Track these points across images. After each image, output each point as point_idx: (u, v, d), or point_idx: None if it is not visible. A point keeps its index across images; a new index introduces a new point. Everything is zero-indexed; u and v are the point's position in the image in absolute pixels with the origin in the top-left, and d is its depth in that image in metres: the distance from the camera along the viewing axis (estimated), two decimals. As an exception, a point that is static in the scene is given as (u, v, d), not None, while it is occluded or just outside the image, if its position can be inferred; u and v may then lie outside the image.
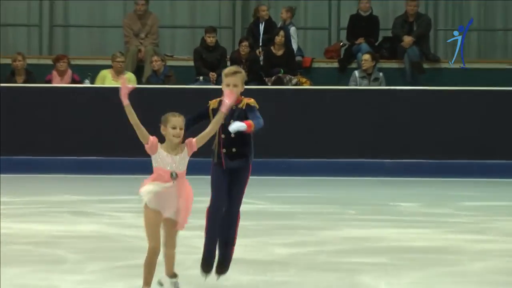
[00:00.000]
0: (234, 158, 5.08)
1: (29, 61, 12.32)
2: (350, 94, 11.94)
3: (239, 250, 5.84)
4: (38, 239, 7.19)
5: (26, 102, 11.61)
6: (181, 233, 4.98)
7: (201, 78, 12.30)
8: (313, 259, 6.48)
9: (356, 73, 12.06)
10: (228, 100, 4.77)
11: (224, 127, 4.97)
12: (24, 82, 11.98)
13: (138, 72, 12.47)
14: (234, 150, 5.08)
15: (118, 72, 12.00)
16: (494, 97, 11.75)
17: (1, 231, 7.17)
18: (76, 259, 6.48)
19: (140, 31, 12.72)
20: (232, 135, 5.02)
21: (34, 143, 11.52)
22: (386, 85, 12.00)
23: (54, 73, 12.03)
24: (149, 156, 4.78)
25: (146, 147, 4.75)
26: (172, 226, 4.81)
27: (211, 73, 12.24)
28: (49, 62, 12.33)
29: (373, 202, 9.62)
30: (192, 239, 6.20)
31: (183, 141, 4.74)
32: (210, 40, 12.27)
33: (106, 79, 12.06)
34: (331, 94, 11.93)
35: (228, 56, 12.39)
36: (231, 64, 12.17)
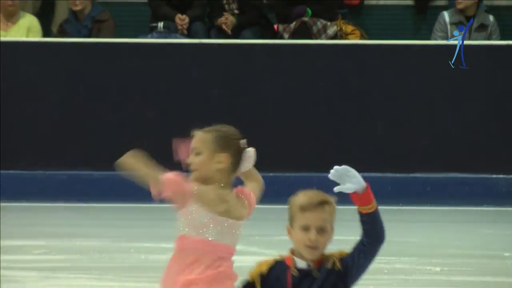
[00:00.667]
0: None
1: None
2: (436, 53, 7.06)
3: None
4: None
5: None
6: None
7: (160, 25, 6.95)
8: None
9: (446, 15, 7.26)
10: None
11: None
12: None
13: (44, 15, 7.57)
14: None
15: (9, 16, 6.67)
16: None
17: None
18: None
19: None
20: None
21: None
22: (501, 38, 7.51)
23: None
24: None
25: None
26: None
27: (178, 16, 6.85)
28: None
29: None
30: None
31: None
32: None
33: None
34: (400, 52, 7.18)
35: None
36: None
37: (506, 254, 6.25)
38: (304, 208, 2.77)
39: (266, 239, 6.26)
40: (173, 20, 7.26)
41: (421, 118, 7.21)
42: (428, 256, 6.18)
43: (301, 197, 2.80)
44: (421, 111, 7.20)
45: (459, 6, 7.14)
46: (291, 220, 2.78)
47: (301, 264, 2.69)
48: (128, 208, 7.37)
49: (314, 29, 6.92)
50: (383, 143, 7.14)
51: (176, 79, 6.93)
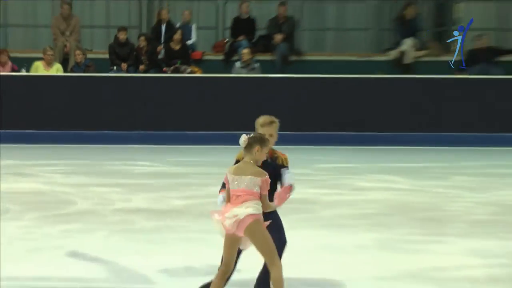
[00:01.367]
0: None
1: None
2: (233, 81, 14.92)
3: (143, 202, 7.74)
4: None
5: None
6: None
7: (114, 68, 15.25)
8: (203, 208, 7.87)
9: (238, 64, 15.08)
10: (280, 204, 4.66)
11: None
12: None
13: (64, 63, 15.37)
14: None
15: (48, 63, 14.94)
16: (345, 83, 14.98)
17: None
18: (17, 210, 8.08)
19: (65, 30, 15.57)
20: None
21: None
22: (261, 73, 14.89)
23: (-2, 63, 14.83)
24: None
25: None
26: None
27: (122, 64, 15.25)
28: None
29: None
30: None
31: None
32: (122, 37, 15.28)
33: (38, 69, 14.95)
34: (218, 80, 14.84)
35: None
36: (137, 56, 15.20)
37: None
38: (262, 124, 4.74)
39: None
40: (120, 65, 15.12)
41: None
42: None
43: (261, 119, 4.76)
44: None
45: (244, 60, 15.69)
46: (256, 131, 4.60)
47: None
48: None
49: (181, 69, 15.39)
50: None
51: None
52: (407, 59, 15.52)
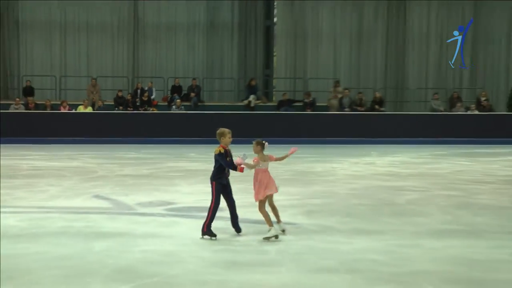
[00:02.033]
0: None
1: None
2: (172, 115, 32.91)
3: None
4: None
5: None
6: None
7: (118, 108, 32.96)
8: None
9: (174, 107, 33.17)
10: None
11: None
12: None
13: (93, 106, 33.04)
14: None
15: (88, 104, 32.63)
16: (227, 116, 33.01)
17: None
18: None
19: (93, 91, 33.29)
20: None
21: None
22: (185, 111, 33.21)
23: None
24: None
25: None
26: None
27: (120, 106, 32.86)
28: None
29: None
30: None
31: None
32: (120, 94, 32.95)
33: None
34: (165, 115, 32.85)
35: None
36: (127, 103, 32.90)
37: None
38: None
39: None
40: (119, 107, 33.19)
41: None
42: None
43: (221, 129, 10.18)
44: None
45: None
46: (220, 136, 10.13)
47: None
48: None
49: (149, 109, 33.09)
50: None
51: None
52: (252, 104, 33.66)
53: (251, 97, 32.89)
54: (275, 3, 34.60)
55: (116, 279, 8.15)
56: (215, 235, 10.24)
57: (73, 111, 29.73)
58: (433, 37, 34.76)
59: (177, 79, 33.62)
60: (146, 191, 14.66)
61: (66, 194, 14.39)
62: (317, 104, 31.60)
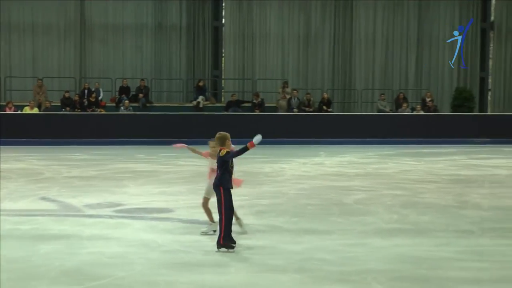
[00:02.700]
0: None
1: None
2: (120, 116, 32.69)
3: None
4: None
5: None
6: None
7: (66, 109, 32.67)
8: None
9: (122, 108, 32.97)
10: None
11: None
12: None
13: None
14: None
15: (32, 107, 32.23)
16: (172, 117, 32.91)
17: None
18: None
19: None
20: None
21: None
22: (133, 112, 33.03)
23: None
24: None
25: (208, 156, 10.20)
26: None
27: (67, 107, 32.59)
28: None
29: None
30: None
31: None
32: (67, 95, 32.63)
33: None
34: (113, 116, 32.63)
35: None
36: (75, 105, 32.60)
37: None
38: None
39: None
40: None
41: None
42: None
43: (222, 133, 9.99)
44: None
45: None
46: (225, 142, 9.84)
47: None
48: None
49: (96, 110, 32.91)
50: None
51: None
52: (201, 105, 33.63)
53: (200, 98, 32.90)
54: (223, 4, 34.51)
55: (63, 282, 8.10)
56: (233, 244, 9.71)
57: (19, 112, 29.57)
58: (379, 38, 35.23)
59: (125, 80, 33.43)
60: (93, 193, 14.79)
61: (12, 196, 14.44)
62: (266, 104, 31.88)
